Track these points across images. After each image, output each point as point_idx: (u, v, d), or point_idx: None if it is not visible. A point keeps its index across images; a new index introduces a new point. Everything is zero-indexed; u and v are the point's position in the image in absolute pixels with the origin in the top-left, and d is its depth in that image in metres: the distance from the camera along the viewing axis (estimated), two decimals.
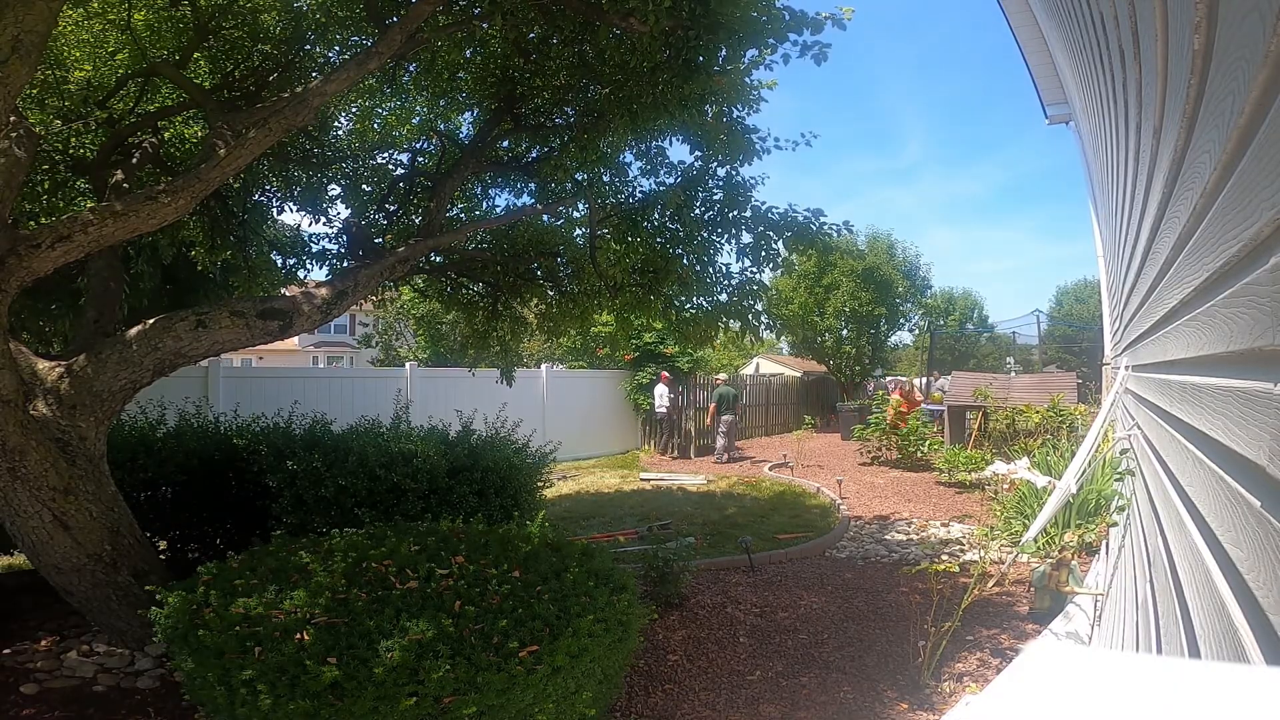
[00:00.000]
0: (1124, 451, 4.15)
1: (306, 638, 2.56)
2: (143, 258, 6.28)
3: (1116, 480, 4.49)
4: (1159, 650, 1.78)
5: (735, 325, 6.53)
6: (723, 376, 15.58)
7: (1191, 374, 1.56)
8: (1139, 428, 3.37)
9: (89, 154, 5.15)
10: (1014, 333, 21.38)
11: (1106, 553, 4.54)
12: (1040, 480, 4.61)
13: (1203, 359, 1.37)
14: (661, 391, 13.81)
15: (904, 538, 7.13)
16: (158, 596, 2.95)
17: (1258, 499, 0.89)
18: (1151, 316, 2.56)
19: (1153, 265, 2.32)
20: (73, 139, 5.13)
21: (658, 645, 4.28)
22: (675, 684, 3.82)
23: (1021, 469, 4.53)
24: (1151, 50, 1.56)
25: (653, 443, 14.74)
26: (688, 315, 6.48)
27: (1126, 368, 4.22)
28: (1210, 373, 1.29)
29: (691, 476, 11.29)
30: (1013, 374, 14.07)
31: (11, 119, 3.01)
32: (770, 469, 11.94)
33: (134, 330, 3.74)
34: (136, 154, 4.87)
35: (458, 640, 2.58)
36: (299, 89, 3.92)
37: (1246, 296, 0.95)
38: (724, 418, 13.42)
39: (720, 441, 13.36)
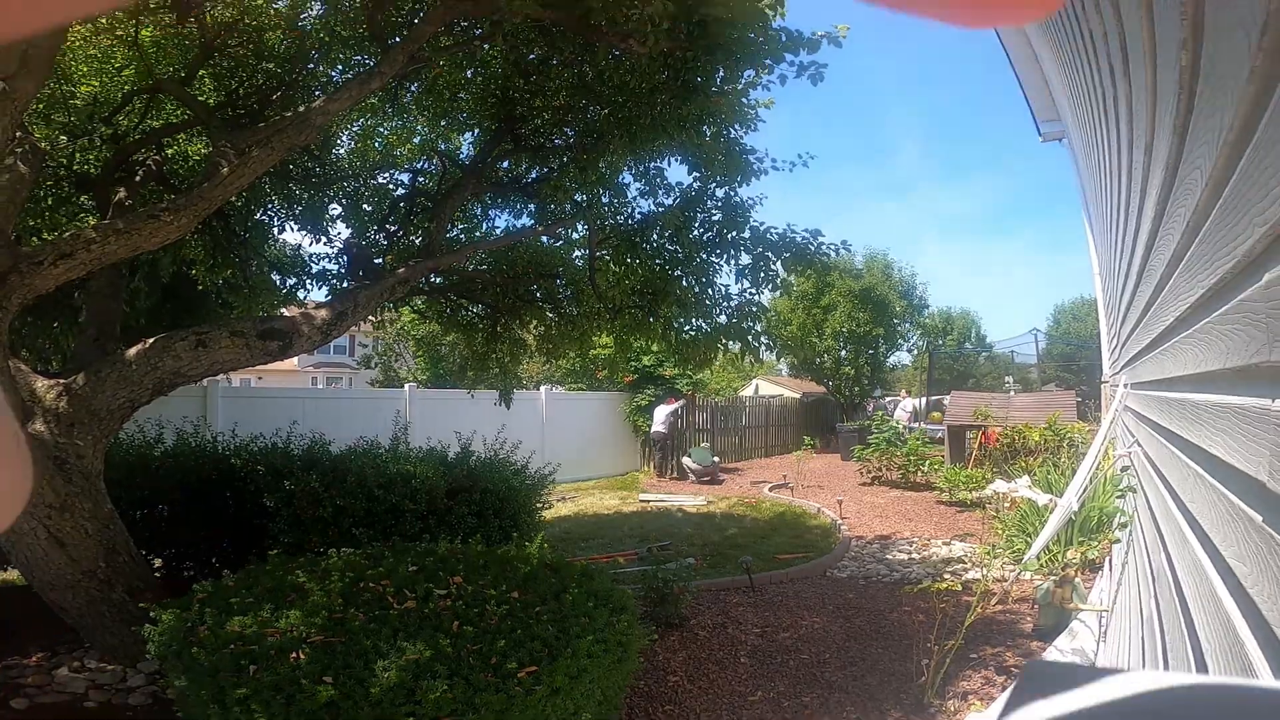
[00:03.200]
0: (1125, 468, 4.14)
1: (302, 657, 2.53)
2: (140, 274, 6.30)
3: (1118, 497, 4.47)
4: (1165, 665, 1.76)
5: (735, 346, 6.52)
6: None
7: (1190, 391, 1.56)
8: (1139, 445, 3.36)
9: (93, 170, 5.18)
10: (1012, 351, 21.45)
11: (1110, 569, 4.51)
12: (1041, 498, 4.59)
13: (1200, 376, 1.38)
14: (661, 413, 13.76)
15: (906, 557, 7.08)
16: (152, 614, 2.92)
17: (1259, 514, 0.89)
18: (1149, 334, 2.57)
19: (1148, 282, 2.34)
20: (77, 155, 5.16)
21: (658, 666, 4.23)
22: (676, 705, 3.78)
23: (1022, 487, 4.51)
24: (1140, 66, 1.58)
25: (651, 464, 14.68)
26: (687, 337, 6.48)
27: (1125, 385, 4.22)
28: (1208, 389, 1.29)
29: (691, 497, 11.23)
30: (1012, 393, 14.07)
31: (17, 134, 3.04)
32: (770, 490, 11.88)
33: (133, 349, 3.74)
34: (140, 171, 4.90)
35: (455, 660, 2.55)
36: (302, 108, 3.97)
37: (1242, 313, 0.96)
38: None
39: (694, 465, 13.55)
